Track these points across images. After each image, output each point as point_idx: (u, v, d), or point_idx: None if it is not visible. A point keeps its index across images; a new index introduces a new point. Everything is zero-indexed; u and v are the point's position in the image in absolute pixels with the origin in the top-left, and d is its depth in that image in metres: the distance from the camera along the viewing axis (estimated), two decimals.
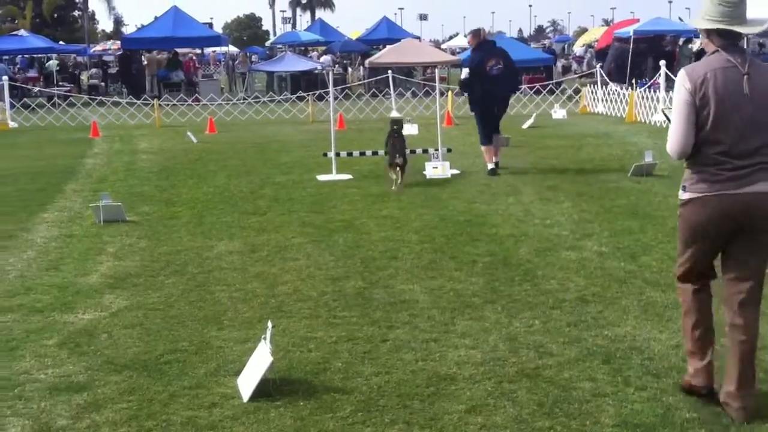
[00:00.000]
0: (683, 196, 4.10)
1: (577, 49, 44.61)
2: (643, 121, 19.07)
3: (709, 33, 4.05)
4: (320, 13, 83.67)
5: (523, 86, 25.70)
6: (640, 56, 26.73)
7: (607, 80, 23.47)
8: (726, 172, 3.93)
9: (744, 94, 3.91)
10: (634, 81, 25.19)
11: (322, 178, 11.75)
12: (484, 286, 6.30)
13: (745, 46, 3.88)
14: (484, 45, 12.27)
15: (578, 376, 4.58)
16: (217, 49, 45.52)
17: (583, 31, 61.23)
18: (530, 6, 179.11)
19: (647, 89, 20.41)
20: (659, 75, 19.62)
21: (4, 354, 5.09)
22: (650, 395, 4.32)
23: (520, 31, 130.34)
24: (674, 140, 4.02)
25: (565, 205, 9.37)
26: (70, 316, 5.79)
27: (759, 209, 3.93)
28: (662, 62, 19.84)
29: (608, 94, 21.85)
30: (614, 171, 11.79)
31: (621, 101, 20.76)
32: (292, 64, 31.40)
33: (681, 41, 32.05)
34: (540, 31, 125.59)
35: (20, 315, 5.85)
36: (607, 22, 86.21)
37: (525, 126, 18.67)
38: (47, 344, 5.24)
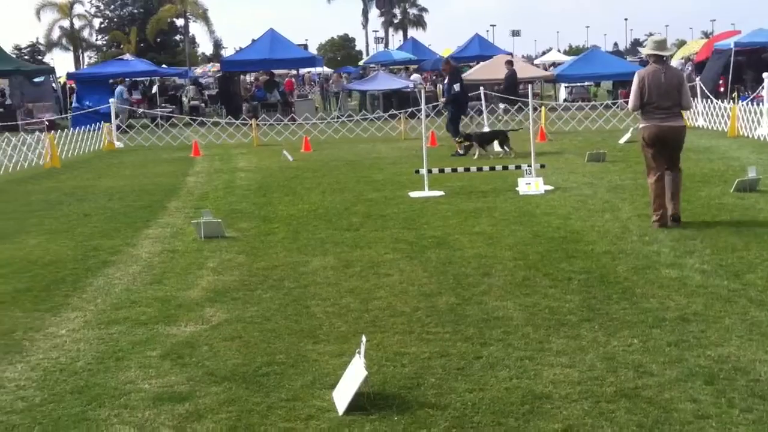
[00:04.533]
0: (640, 125, 9.06)
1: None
2: (746, 135, 18.39)
3: (649, 55, 9.03)
4: (412, 32, 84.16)
5: (620, 100, 25.21)
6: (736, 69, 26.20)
7: (708, 94, 22.73)
8: (655, 115, 8.84)
9: (663, 83, 8.77)
10: (735, 94, 24.37)
11: (414, 194, 11.81)
12: (580, 303, 6.20)
13: (666, 60, 9.22)
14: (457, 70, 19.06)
15: (680, 397, 4.44)
16: (312, 69, 46.43)
17: (682, 43, 59.59)
18: (626, 19, 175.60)
19: (750, 102, 19.68)
20: (762, 88, 18.90)
21: (111, 364, 5.31)
22: (756, 417, 4.15)
23: (616, 45, 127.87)
24: (632, 102, 8.99)
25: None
26: (173, 329, 6.00)
27: (670, 133, 8.86)
28: (766, 74, 19.10)
29: (709, 107, 21.18)
30: (716, 186, 11.41)
31: (723, 115, 20.08)
32: (385, 82, 31.75)
33: None
34: (636, 45, 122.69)
35: (126, 327, 6.09)
36: (706, 35, 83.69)
37: (622, 141, 18.28)
38: (151, 355, 5.44)
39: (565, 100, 32.26)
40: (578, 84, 33.36)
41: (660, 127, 8.79)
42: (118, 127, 24.06)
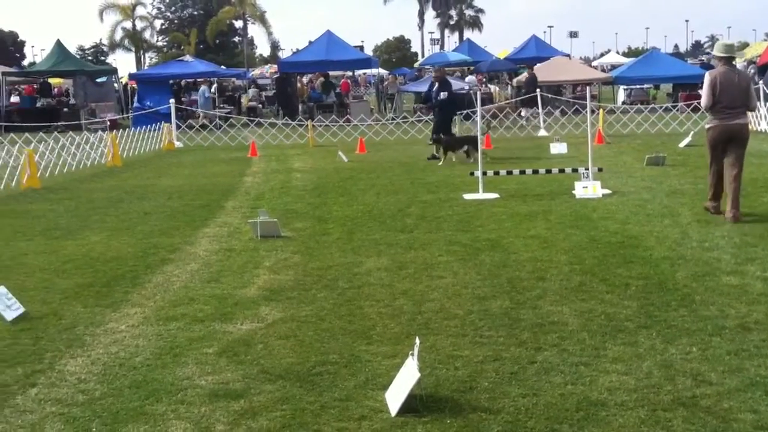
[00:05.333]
0: (708, 125, 9.70)
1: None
2: None
3: (720, 58, 9.61)
4: (468, 34, 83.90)
5: (680, 103, 24.74)
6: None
7: None
8: (725, 115, 9.44)
9: (735, 83, 9.42)
10: None
11: (468, 197, 11.76)
12: (638, 310, 6.10)
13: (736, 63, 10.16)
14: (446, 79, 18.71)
15: (739, 407, 4.34)
16: (368, 70, 46.59)
17: (744, 46, 58.19)
18: (687, 21, 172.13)
19: None
20: None
21: (169, 360, 5.41)
22: None
23: (676, 46, 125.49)
24: (705, 100, 9.54)
25: (726, 227, 8.92)
26: (229, 326, 6.08)
27: (737, 131, 9.49)
28: None
29: None
30: None
31: None
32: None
33: None
34: (697, 47, 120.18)
35: (184, 323, 6.20)
36: None
37: (682, 145, 17.93)
38: (208, 352, 5.53)
39: (623, 103, 31.77)
40: (637, 86, 32.82)
41: (727, 125, 9.46)
42: (178, 127, 24.49)
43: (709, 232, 8.71)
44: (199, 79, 32.39)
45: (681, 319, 5.85)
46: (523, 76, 33.00)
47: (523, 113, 25.27)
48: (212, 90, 33.70)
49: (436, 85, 18.09)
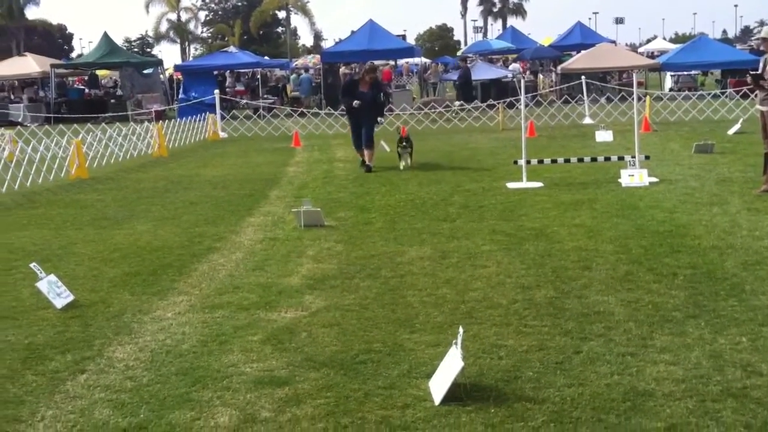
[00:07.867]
0: None
1: None
2: None
3: None
4: (512, 21, 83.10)
5: (729, 90, 24.22)
6: None
7: None
8: None
9: None
10: None
11: (512, 185, 11.67)
12: (686, 299, 5.99)
13: None
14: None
15: None
16: (410, 60, 46.46)
17: None
18: (735, 6, 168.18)
19: None
20: None
21: (214, 347, 5.47)
22: None
23: (725, 32, 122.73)
24: None
25: None
26: (274, 314, 6.13)
27: None
28: None
29: None
30: None
31: None
32: (483, 72, 31.46)
33: None
34: (746, 32, 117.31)
35: (229, 312, 6.26)
36: None
37: (731, 132, 17.56)
38: (253, 340, 5.58)
39: (670, 90, 31.23)
40: (684, 73, 32.22)
41: None
42: (223, 117, 24.72)
43: (759, 220, 8.52)
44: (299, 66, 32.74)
45: (730, 308, 5.73)
46: (571, 62, 32.61)
47: (457, 104, 24.88)
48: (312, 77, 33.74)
49: (366, 86, 14.83)
